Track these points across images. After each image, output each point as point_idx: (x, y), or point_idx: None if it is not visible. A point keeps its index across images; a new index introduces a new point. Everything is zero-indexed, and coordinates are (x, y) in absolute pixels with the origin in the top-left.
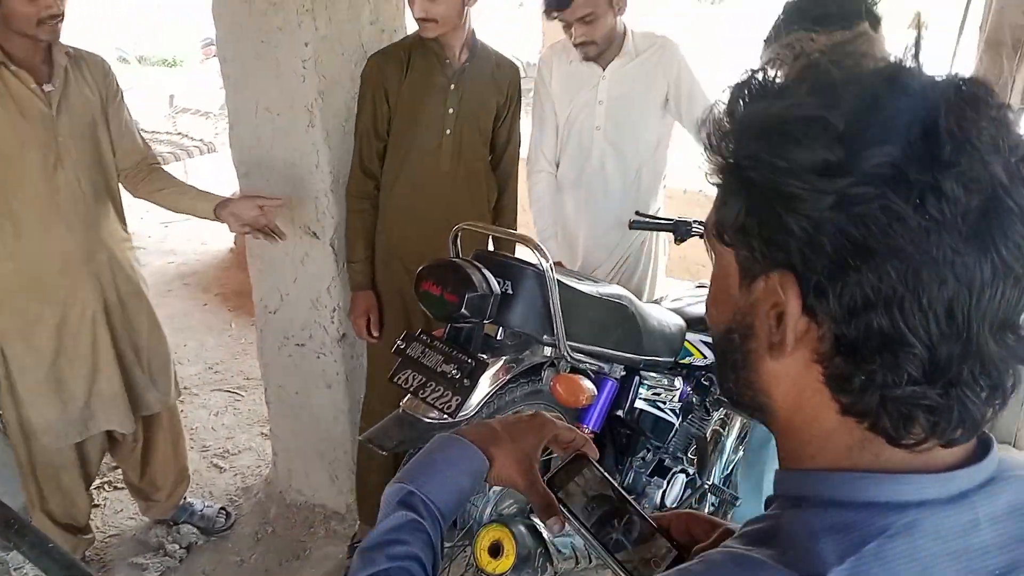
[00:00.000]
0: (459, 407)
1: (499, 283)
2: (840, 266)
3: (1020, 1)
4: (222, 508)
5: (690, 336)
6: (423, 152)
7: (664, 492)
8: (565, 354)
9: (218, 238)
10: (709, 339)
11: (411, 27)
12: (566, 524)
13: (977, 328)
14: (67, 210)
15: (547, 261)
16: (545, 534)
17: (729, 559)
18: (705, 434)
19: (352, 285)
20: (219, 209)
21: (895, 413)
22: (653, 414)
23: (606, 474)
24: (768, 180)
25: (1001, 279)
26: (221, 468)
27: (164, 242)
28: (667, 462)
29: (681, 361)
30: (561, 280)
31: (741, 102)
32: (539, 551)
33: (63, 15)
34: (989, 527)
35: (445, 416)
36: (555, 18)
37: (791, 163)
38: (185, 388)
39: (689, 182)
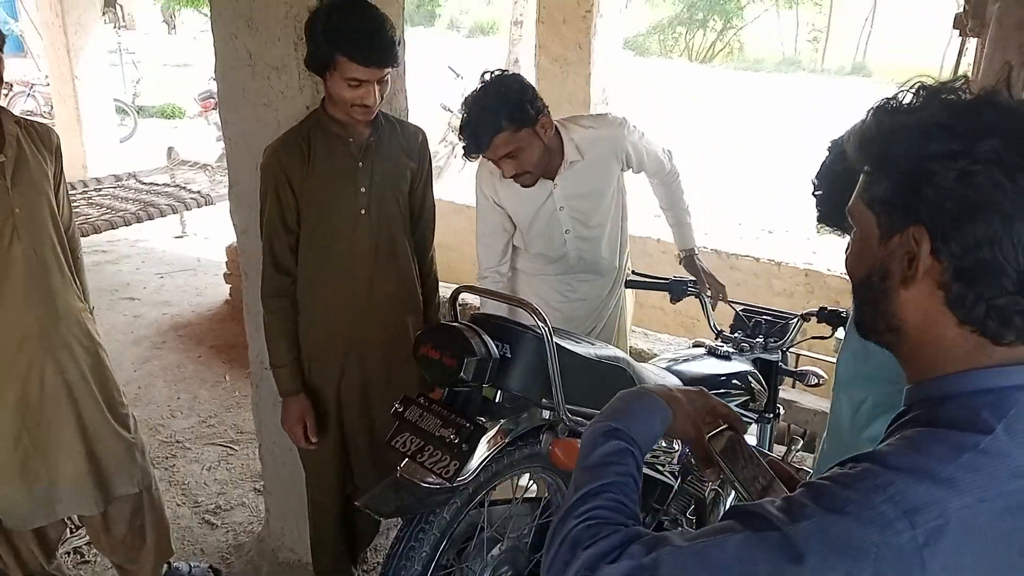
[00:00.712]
0: (457, 472)
1: (498, 346)
2: (959, 219)
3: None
4: (211, 567)
5: None
6: (340, 237)
7: None
8: (564, 417)
9: (213, 291)
10: None
11: (411, 90)
12: (720, 476)
13: None
14: (24, 284)
15: (546, 325)
16: None
17: (914, 437)
18: (704, 495)
19: (281, 391)
20: None
21: (997, 318)
22: (652, 476)
23: (750, 444)
24: (914, 164)
25: None
26: (213, 524)
27: (159, 293)
28: (666, 524)
29: None
30: (559, 343)
31: (883, 116)
32: None
33: (2, 81)
34: None
35: (443, 481)
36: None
37: (930, 152)
38: (177, 442)
39: (642, 229)
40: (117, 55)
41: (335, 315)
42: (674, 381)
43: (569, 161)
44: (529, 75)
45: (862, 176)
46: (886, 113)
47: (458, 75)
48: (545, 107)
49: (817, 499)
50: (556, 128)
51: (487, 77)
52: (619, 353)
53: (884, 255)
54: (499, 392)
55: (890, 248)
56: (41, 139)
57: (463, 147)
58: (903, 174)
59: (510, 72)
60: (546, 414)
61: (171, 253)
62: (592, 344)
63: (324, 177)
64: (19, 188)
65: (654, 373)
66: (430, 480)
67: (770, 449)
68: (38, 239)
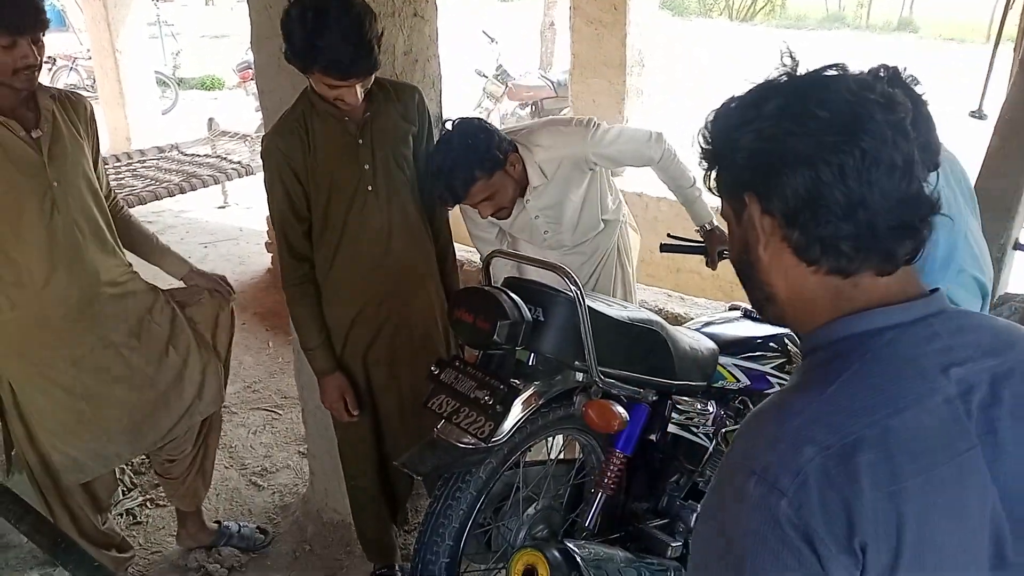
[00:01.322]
0: (492, 432)
1: (530, 310)
2: (769, 172)
3: None
4: (259, 527)
5: (723, 359)
6: (351, 217)
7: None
8: (597, 380)
9: (256, 259)
10: (742, 363)
11: (444, 56)
12: None
13: (865, 182)
14: (66, 255)
15: (578, 288)
16: (578, 558)
17: (770, 401)
18: None
19: (317, 371)
20: (187, 277)
21: (830, 248)
22: (686, 438)
23: None
24: (724, 141)
25: (870, 156)
26: (260, 486)
27: (203, 263)
28: (701, 486)
29: (714, 385)
30: (591, 306)
31: (709, 122)
32: (573, 575)
33: (40, 65)
34: (946, 337)
35: (478, 441)
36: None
37: (731, 125)
38: (224, 407)
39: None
40: (156, 28)
41: (357, 293)
42: (708, 344)
43: (533, 186)
44: (566, 37)
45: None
46: (709, 117)
47: (492, 39)
48: (511, 145)
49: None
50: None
51: (448, 127)
52: (652, 316)
53: (742, 232)
54: (532, 355)
55: (744, 223)
56: (76, 110)
57: (438, 196)
58: (721, 154)
59: (471, 117)
60: (579, 376)
61: (214, 223)
62: (624, 307)
63: (326, 160)
64: (56, 162)
65: (688, 336)
66: (466, 440)
67: None
68: (78, 211)
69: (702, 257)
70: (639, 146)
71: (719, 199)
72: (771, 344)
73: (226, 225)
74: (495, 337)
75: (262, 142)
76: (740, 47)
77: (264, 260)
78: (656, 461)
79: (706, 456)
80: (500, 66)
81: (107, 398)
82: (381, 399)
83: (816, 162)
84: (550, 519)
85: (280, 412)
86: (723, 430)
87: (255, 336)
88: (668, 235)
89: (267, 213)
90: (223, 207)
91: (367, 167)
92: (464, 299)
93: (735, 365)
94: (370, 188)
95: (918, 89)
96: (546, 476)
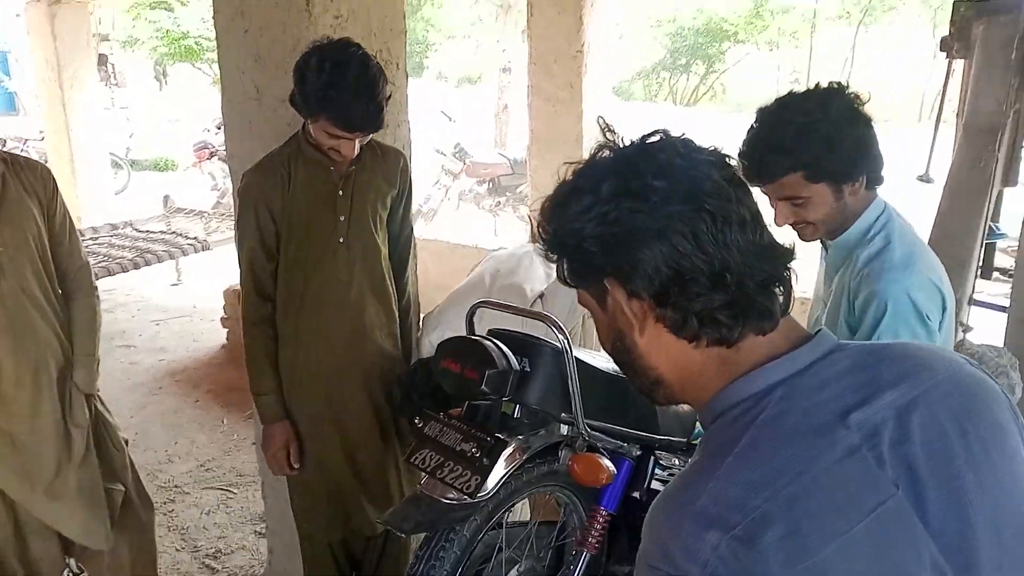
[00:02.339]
0: (479, 487)
1: (517, 360)
2: (624, 254)
3: (993, 89)
4: None
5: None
6: (319, 266)
7: None
8: (583, 432)
9: (210, 336)
10: None
11: (420, 125)
12: None
13: (722, 245)
14: (14, 321)
15: (565, 338)
16: None
17: (673, 483)
18: None
19: (264, 418)
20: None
21: (707, 321)
22: None
23: None
24: (568, 230)
25: (719, 217)
26: (214, 569)
27: (155, 340)
28: None
29: (693, 441)
30: (578, 357)
31: (545, 212)
32: None
33: None
34: (838, 380)
35: (464, 496)
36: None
37: (572, 214)
38: (176, 487)
39: None
40: (110, 111)
41: (315, 344)
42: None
43: None
44: (519, 118)
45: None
46: (544, 205)
47: (450, 119)
48: None
49: None
50: None
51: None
52: None
53: (610, 320)
54: (517, 407)
55: (609, 311)
56: (31, 176)
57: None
58: (568, 243)
59: None
60: (564, 430)
61: (167, 301)
62: (608, 359)
63: (304, 204)
64: (3, 226)
65: None
66: (451, 496)
67: None
68: (26, 277)
69: None
70: None
71: (575, 287)
72: None
73: (179, 303)
74: (483, 387)
75: (242, 178)
76: (686, 129)
77: (219, 336)
78: (638, 520)
79: None
80: (458, 144)
81: (51, 483)
82: (328, 453)
83: (668, 235)
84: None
85: (235, 491)
86: None
87: (209, 413)
88: None
89: (224, 287)
90: (176, 284)
91: (342, 219)
92: (451, 349)
93: None
94: (341, 240)
95: (860, 104)
96: (528, 537)
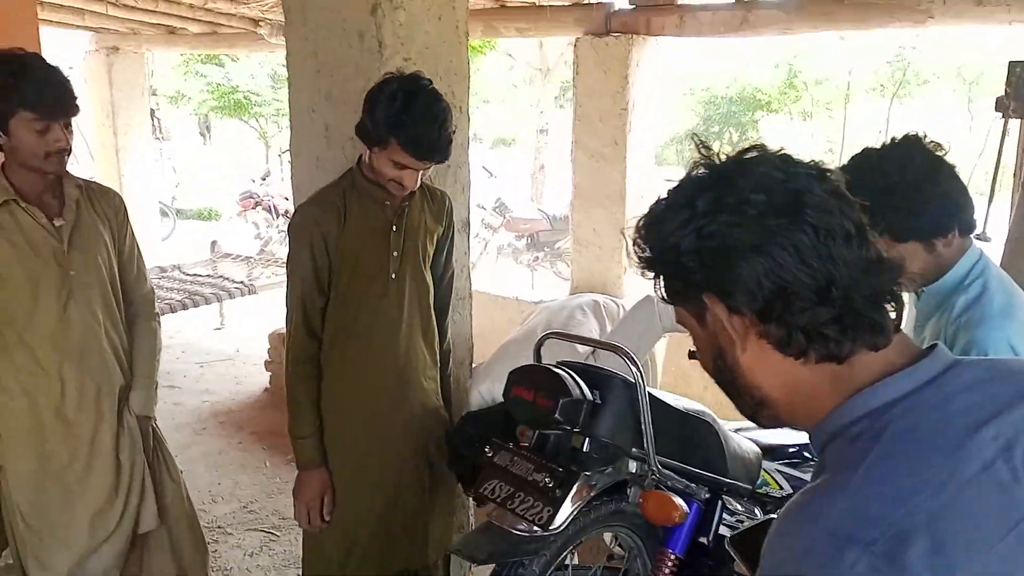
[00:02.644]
0: (551, 519)
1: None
2: (724, 269)
3: None
4: None
5: (766, 464)
6: (368, 302)
7: None
8: (654, 468)
9: (252, 379)
10: (784, 469)
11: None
12: None
13: (827, 258)
14: (80, 345)
15: (639, 370)
16: None
17: (791, 506)
18: None
19: (302, 464)
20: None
21: (815, 336)
22: None
23: None
24: (666, 246)
25: (822, 230)
26: None
27: (199, 381)
28: None
29: (758, 491)
30: (650, 392)
31: (638, 234)
32: None
33: (70, 149)
34: (963, 394)
35: (536, 528)
36: None
37: (668, 231)
38: (219, 527)
39: None
40: (157, 162)
41: (360, 383)
42: (752, 446)
43: None
44: (555, 177)
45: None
46: (639, 223)
47: (491, 174)
48: None
49: None
50: None
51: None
52: (704, 408)
53: (711, 338)
54: (586, 441)
55: (709, 328)
56: (104, 202)
57: None
58: (665, 260)
59: None
60: (632, 467)
61: (210, 344)
62: (676, 397)
63: (358, 238)
64: (75, 251)
65: (735, 434)
66: (521, 527)
67: None
68: (96, 301)
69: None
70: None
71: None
72: (805, 454)
73: (223, 347)
74: (556, 415)
75: (295, 212)
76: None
77: (261, 380)
78: (705, 567)
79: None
80: (499, 199)
81: (97, 508)
82: (367, 500)
83: (769, 249)
84: None
85: (278, 534)
86: None
87: (252, 455)
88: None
89: (269, 331)
90: (219, 328)
91: (395, 254)
92: (523, 376)
93: (778, 471)
94: (393, 276)
95: (940, 152)
96: None
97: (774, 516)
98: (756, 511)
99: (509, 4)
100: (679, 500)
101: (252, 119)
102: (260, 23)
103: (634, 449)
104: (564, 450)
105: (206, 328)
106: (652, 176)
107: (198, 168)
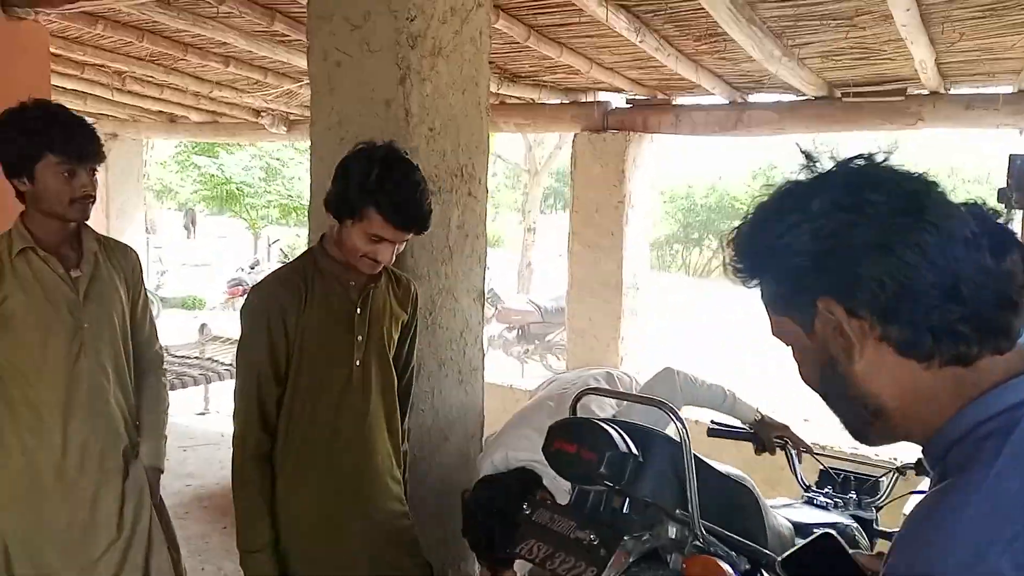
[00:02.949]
0: None
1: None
2: (845, 271)
3: None
4: None
5: (798, 542)
6: (334, 392)
7: None
8: (699, 531)
9: None
10: None
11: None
12: None
13: (952, 258)
14: (88, 402)
15: (683, 427)
16: None
17: (915, 515)
18: None
19: None
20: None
21: (945, 335)
22: None
23: None
24: (775, 249)
25: (944, 231)
26: None
27: (182, 465)
28: None
29: None
30: (694, 453)
31: (738, 231)
32: None
33: (95, 197)
34: None
35: None
36: None
37: (779, 231)
38: None
39: None
40: (144, 251)
41: (321, 486)
42: (785, 521)
43: None
44: (542, 275)
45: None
46: (740, 229)
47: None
48: None
49: None
50: None
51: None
52: (743, 473)
53: (820, 346)
54: (626, 502)
55: (819, 336)
56: (120, 258)
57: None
58: (776, 265)
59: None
60: (672, 532)
61: (194, 428)
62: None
63: (320, 321)
64: (91, 304)
65: (770, 506)
66: None
67: None
68: (106, 357)
69: (751, 444)
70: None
71: (771, 316)
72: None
73: (207, 430)
74: (601, 469)
75: (250, 292)
76: (696, 298)
77: None
78: None
79: None
80: (491, 289)
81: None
82: None
83: (893, 247)
84: None
85: None
86: None
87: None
88: (712, 421)
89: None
90: (203, 413)
91: (360, 338)
92: (564, 430)
93: None
94: (359, 363)
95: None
96: None
97: (819, 534)
98: None
99: (509, 101)
100: (726, 566)
101: (243, 211)
102: (262, 113)
103: (677, 511)
104: (608, 506)
105: (190, 412)
106: (647, 268)
107: (182, 262)
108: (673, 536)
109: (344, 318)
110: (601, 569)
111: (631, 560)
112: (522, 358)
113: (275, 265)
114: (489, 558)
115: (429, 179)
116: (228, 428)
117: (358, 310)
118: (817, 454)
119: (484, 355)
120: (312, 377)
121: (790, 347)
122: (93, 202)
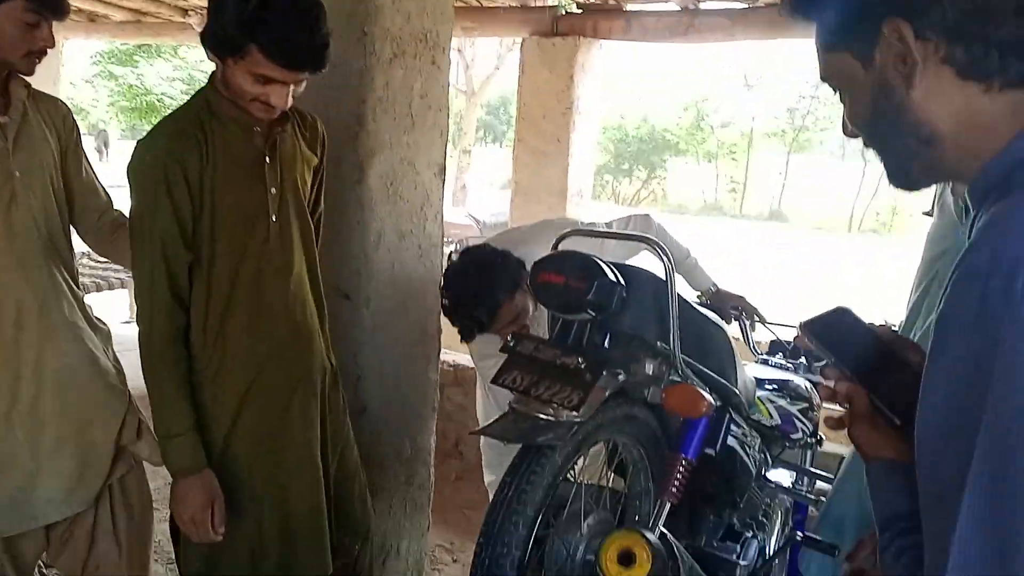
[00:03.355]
0: (581, 401)
1: None
2: None
3: None
4: None
5: (759, 392)
6: (251, 252)
7: (739, 556)
8: (679, 362)
9: None
10: (775, 399)
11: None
12: None
13: None
14: (23, 253)
15: (670, 262)
16: (676, 547)
17: (999, 211)
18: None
19: (177, 469)
20: None
21: (1012, 55)
22: (740, 456)
23: None
24: None
25: None
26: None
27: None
28: (736, 527)
29: (751, 417)
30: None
31: None
32: (671, 566)
33: (45, 53)
34: None
35: (564, 412)
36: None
37: None
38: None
39: None
40: None
41: (253, 355)
42: (748, 372)
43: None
44: (476, 200)
45: (815, 37)
46: None
47: None
48: (519, 261)
49: None
50: None
51: (455, 257)
52: (718, 317)
53: (877, 77)
54: (608, 337)
55: (878, 66)
56: (50, 110)
57: (461, 330)
58: None
59: (477, 245)
60: (650, 368)
61: (121, 334)
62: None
63: (226, 174)
64: (20, 152)
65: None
66: (548, 412)
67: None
68: (39, 209)
69: None
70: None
71: (827, 59)
72: (790, 388)
73: (134, 336)
74: (590, 296)
75: (136, 148)
76: None
77: None
78: (708, 485)
79: (748, 488)
80: None
81: (43, 438)
82: (258, 502)
83: None
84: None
85: None
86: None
87: None
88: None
89: None
90: (128, 322)
91: (273, 191)
92: (551, 263)
93: (769, 400)
94: (274, 218)
95: None
96: (601, 490)
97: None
98: (753, 431)
99: (457, 4)
100: (705, 392)
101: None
102: (189, 12)
103: (660, 344)
104: (593, 336)
105: (115, 320)
106: (591, 176)
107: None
108: (651, 373)
109: (254, 168)
110: (586, 394)
111: (608, 392)
112: None
113: None
114: (462, 314)
115: (392, 41)
116: None
117: (267, 159)
118: (769, 323)
119: (443, 233)
120: (229, 242)
121: (839, 91)
122: (42, 58)
